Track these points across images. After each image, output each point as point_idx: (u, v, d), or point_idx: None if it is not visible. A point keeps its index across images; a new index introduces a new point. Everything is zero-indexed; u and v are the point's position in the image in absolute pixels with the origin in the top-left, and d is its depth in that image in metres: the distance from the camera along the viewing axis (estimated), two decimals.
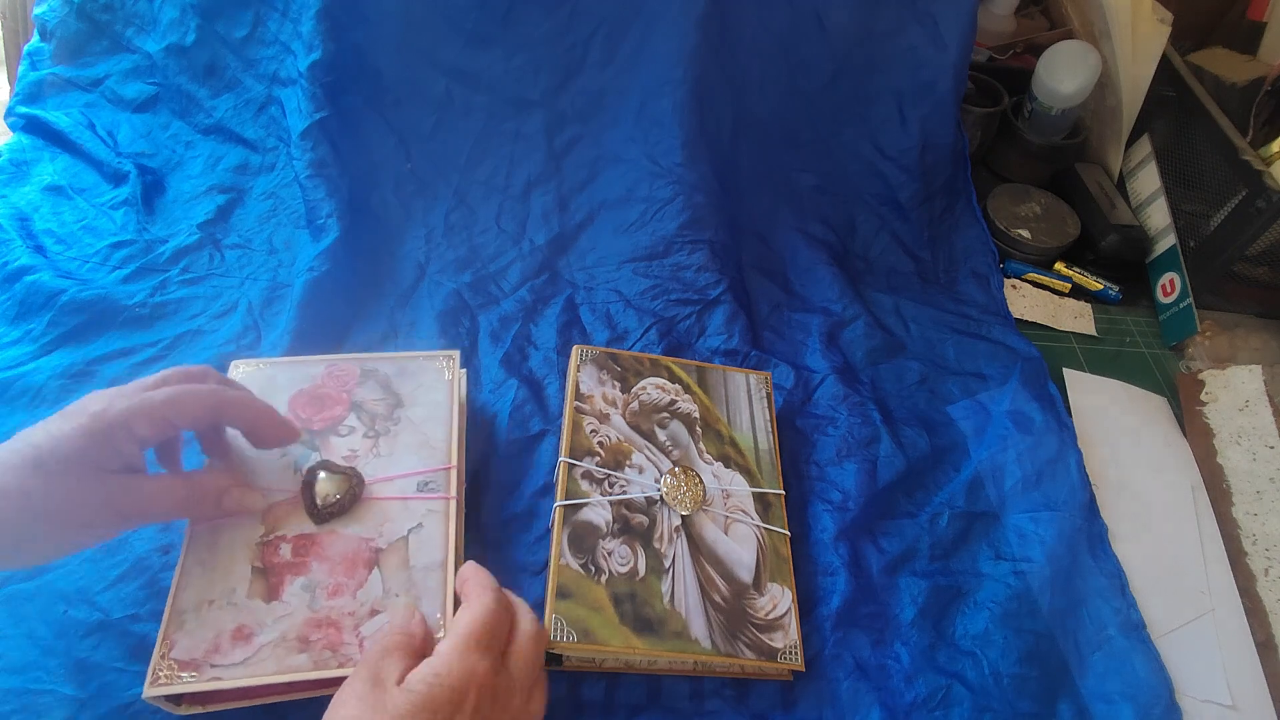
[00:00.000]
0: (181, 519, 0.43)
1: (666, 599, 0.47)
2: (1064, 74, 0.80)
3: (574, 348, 0.57)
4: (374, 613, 0.42)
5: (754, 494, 0.53)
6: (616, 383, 0.56)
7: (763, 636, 0.47)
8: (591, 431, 0.53)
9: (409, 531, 0.45)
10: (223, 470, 0.45)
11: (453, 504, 0.47)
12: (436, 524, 0.45)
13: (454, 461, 0.48)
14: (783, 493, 0.54)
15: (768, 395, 0.59)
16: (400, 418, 0.50)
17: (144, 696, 0.38)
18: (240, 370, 0.52)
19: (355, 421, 0.50)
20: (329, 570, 0.43)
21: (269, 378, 0.52)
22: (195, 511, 0.43)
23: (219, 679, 0.38)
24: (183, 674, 0.38)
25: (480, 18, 0.73)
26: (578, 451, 0.51)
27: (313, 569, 0.43)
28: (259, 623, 0.40)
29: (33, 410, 0.54)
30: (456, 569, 0.44)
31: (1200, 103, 0.78)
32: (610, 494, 0.50)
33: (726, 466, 0.54)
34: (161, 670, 0.38)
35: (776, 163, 0.80)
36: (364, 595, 0.42)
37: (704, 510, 0.51)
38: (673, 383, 0.58)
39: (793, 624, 0.48)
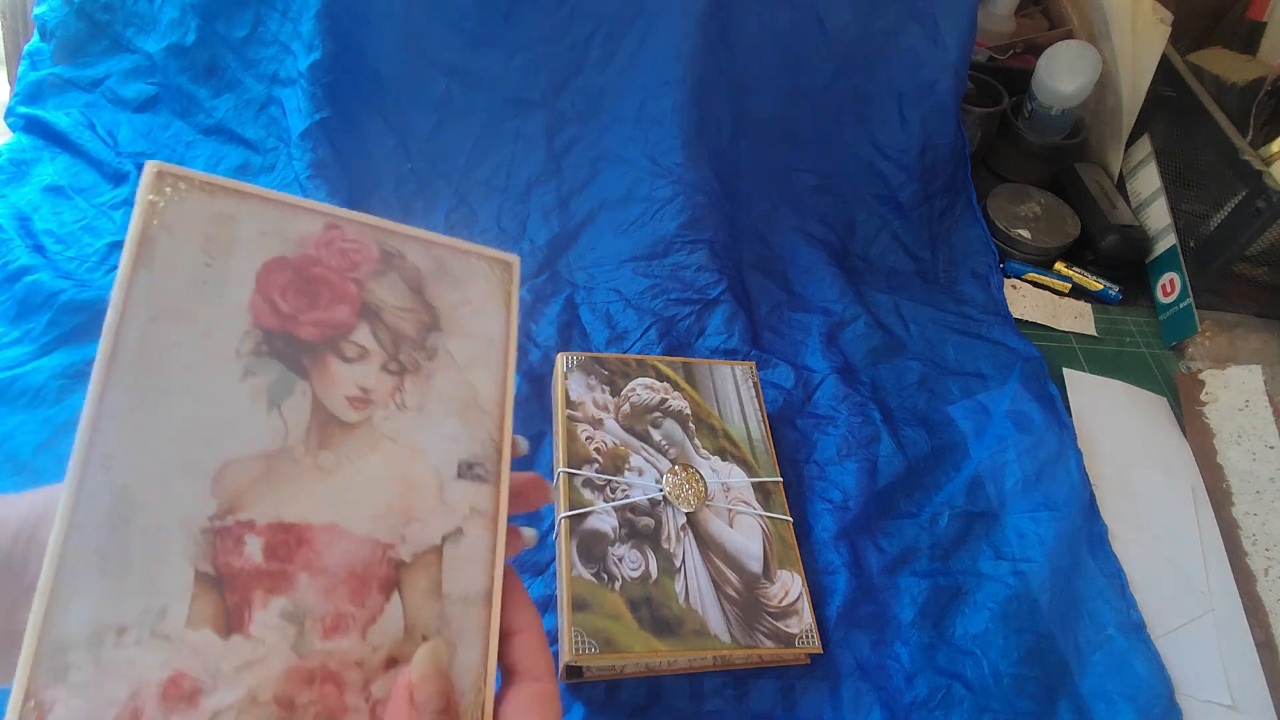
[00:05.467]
0: None
1: (682, 598, 0.47)
2: (1064, 74, 0.80)
3: (558, 355, 0.57)
4: (392, 663, 0.25)
5: (753, 484, 0.53)
6: (605, 387, 0.56)
7: (779, 624, 0.47)
8: (587, 439, 0.53)
9: (444, 539, 0.28)
10: None
11: (503, 502, 0.29)
12: (481, 531, 0.28)
13: (506, 435, 0.30)
14: (780, 479, 0.54)
15: (755, 384, 0.59)
16: (437, 348, 0.30)
17: None
18: (171, 189, 0.26)
19: (369, 338, 0.28)
20: (325, 589, 0.25)
21: (225, 215, 0.26)
22: None
23: None
24: None
25: (480, 18, 0.73)
26: (575, 460, 0.51)
27: (300, 585, 0.25)
28: (211, 671, 0.23)
29: (32, 410, 0.53)
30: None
31: (1200, 103, 0.78)
32: (613, 499, 0.50)
33: (723, 459, 0.54)
34: None
35: (776, 163, 0.80)
36: (378, 635, 0.25)
37: (707, 505, 0.51)
38: (661, 381, 0.58)
39: (806, 608, 0.48)
